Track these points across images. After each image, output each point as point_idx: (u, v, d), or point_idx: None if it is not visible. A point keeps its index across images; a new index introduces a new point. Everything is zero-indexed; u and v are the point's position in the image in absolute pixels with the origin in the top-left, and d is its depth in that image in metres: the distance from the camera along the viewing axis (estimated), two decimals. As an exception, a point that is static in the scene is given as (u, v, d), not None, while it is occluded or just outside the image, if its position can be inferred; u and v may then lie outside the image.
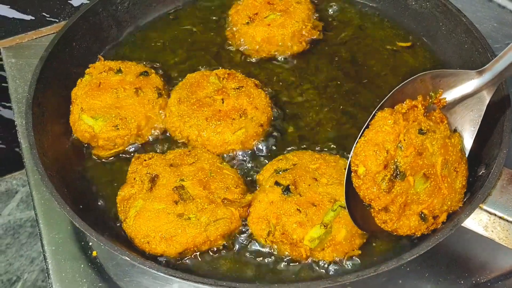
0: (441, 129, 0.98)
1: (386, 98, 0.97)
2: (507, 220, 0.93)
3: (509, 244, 0.93)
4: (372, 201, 0.94)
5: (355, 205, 0.96)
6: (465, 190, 1.00)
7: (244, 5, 1.38)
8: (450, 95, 1.03)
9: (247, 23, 1.34)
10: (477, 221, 0.95)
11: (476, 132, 1.02)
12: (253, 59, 1.35)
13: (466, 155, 1.02)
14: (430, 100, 1.01)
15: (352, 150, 0.95)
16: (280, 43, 1.32)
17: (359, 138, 0.95)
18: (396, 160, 0.93)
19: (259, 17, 1.34)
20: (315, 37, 1.36)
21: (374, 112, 0.96)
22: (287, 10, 1.34)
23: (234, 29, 1.37)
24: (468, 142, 1.03)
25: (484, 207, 0.95)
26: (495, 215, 0.94)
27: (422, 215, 0.95)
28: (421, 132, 0.95)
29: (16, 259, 1.87)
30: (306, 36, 1.34)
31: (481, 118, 1.02)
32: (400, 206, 0.94)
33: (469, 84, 1.02)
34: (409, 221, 0.95)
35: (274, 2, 1.36)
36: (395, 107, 0.97)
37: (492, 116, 1.08)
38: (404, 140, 0.93)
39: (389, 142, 0.93)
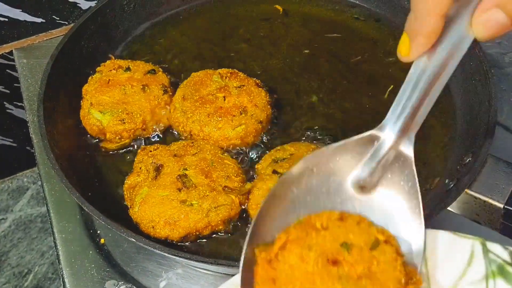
0: None
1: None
2: (490, 204, 0.98)
3: (492, 226, 0.98)
4: None
5: None
6: None
7: None
8: (362, 173, 0.77)
9: None
10: (463, 205, 1.00)
11: (418, 186, 0.76)
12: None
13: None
14: None
15: None
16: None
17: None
18: None
19: None
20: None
21: None
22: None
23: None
24: (414, 202, 0.76)
25: (470, 191, 0.99)
26: (480, 199, 0.98)
27: None
28: None
29: (27, 253, 1.91)
30: None
31: (416, 176, 0.76)
32: None
33: (375, 153, 0.76)
34: None
35: None
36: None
37: (478, 107, 1.13)
38: None
39: None
